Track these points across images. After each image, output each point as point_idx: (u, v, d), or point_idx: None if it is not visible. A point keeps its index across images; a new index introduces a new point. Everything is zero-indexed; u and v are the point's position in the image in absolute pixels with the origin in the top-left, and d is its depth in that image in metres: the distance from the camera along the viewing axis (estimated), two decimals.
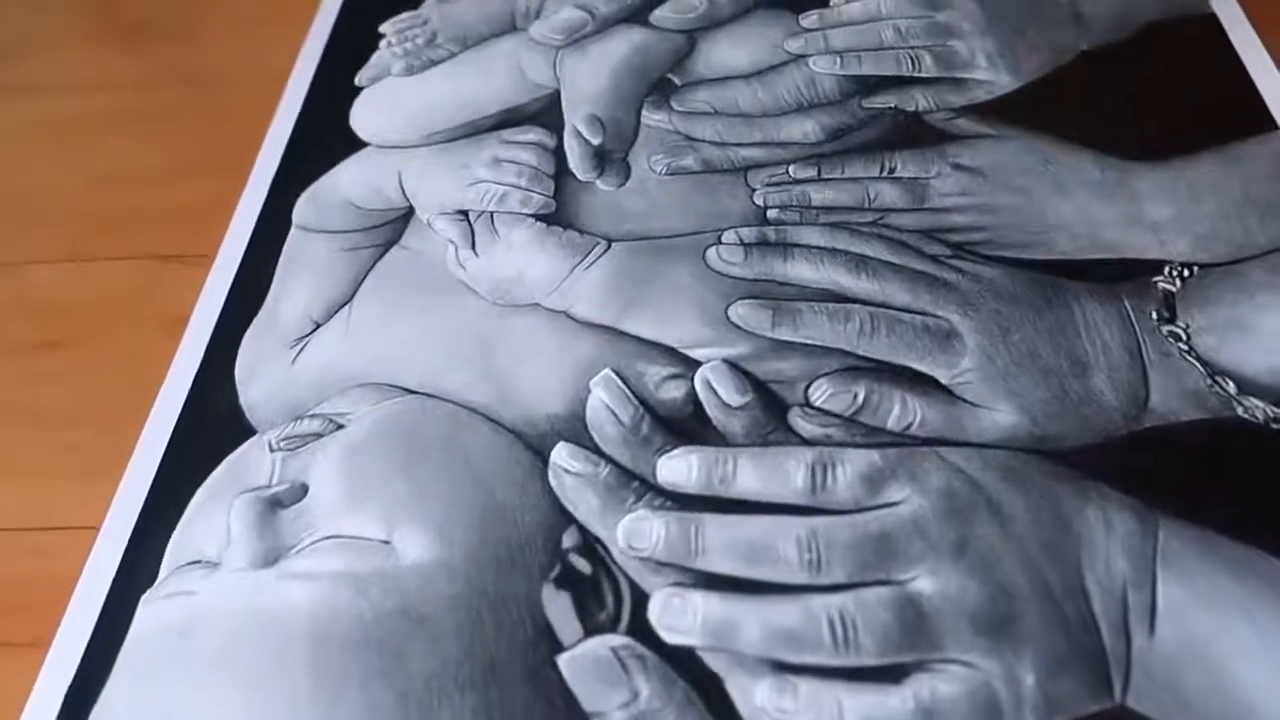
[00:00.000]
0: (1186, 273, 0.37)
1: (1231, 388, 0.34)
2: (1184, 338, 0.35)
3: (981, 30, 0.46)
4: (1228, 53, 0.45)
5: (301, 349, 0.39)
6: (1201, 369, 0.34)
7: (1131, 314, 0.36)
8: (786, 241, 0.40)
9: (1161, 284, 0.37)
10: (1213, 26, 0.46)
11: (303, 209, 0.44)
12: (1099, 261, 0.38)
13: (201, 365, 0.39)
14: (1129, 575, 0.30)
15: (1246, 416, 0.33)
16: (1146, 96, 0.44)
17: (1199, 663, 0.28)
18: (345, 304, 0.40)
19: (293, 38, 0.53)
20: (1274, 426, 0.33)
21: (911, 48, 0.46)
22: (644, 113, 0.46)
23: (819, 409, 0.35)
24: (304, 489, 0.34)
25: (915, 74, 0.45)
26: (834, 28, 0.48)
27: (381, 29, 0.52)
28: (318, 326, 0.40)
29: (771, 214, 0.41)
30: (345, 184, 0.44)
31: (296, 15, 0.54)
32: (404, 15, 0.52)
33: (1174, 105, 0.43)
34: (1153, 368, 0.34)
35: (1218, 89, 0.44)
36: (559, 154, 0.44)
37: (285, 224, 0.44)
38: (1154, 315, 0.36)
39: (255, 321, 0.40)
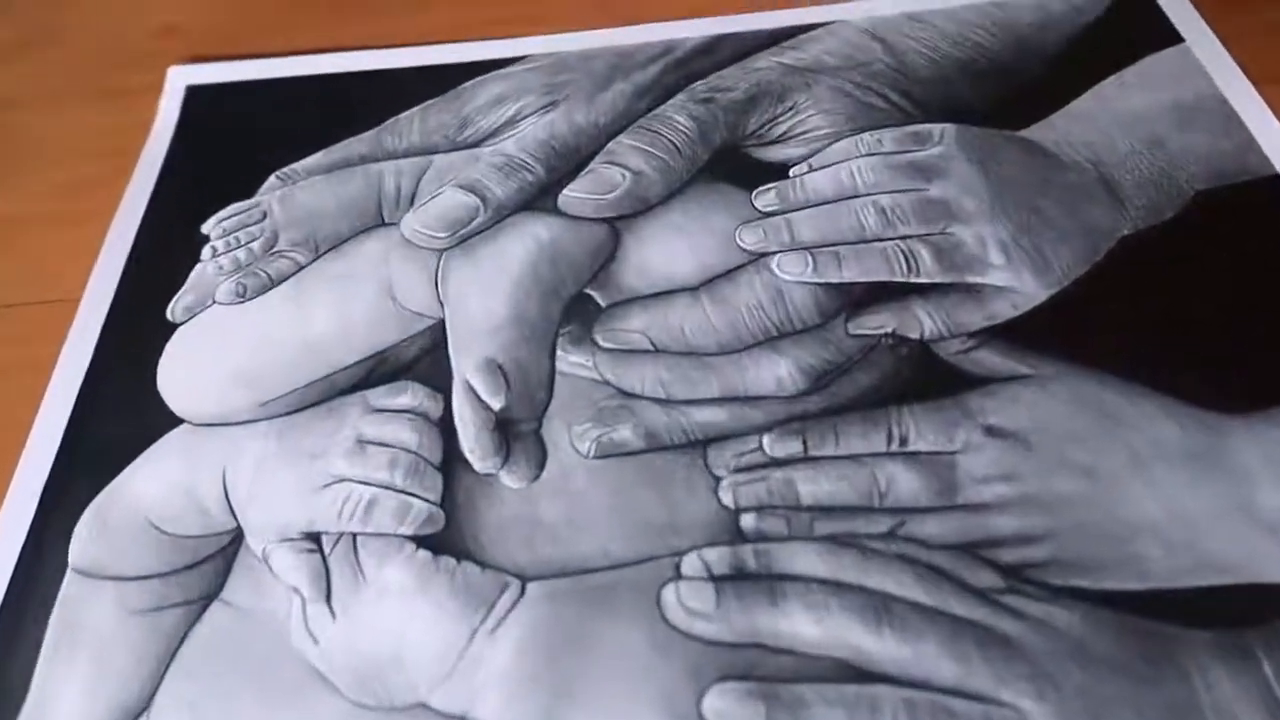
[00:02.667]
0: None
1: None
2: None
3: (989, 209, 0.36)
4: None
5: None
6: None
7: (1276, 688, 0.25)
8: (773, 572, 0.28)
9: None
10: None
11: (83, 540, 0.31)
12: (1210, 590, 0.27)
13: None
14: None
15: None
16: (1218, 303, 0.33)
17: None
18: (140, 714, 0.28)
19: (87, 242, 0.40)
20: None
21: (903, 238, 0.35)
22: (559, 351, 0.34)
23: None
24: None
25: (912, 278, 0.34)
26: (799, 209, 0.37)
27: (205, 228, 0.39)
28: None
29: (747, 521, 0.30)
30: (147, 493, 0.32)
31: (95, 205, 0.41)
32: (235, 208, 0.40)
33: (1256, 315, 0.33)
34: None
35: None
36: (447, 427, 0.32)
37: (58, 565, 0.30)
38: None
39: None
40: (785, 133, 0.40)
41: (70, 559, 0.31)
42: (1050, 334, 0.33)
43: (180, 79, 0.46)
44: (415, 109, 0.43)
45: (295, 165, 0.41)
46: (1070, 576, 0.28)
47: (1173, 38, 0.41)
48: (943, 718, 0.25)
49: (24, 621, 0.30)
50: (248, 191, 0.40)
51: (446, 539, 0.30)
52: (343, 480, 0.31)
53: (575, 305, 0.35)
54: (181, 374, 0.35)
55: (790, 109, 0.40)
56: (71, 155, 0.44)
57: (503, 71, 0.44)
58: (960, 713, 0.25)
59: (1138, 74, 0.40)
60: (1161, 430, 0.30)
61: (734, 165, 0.39)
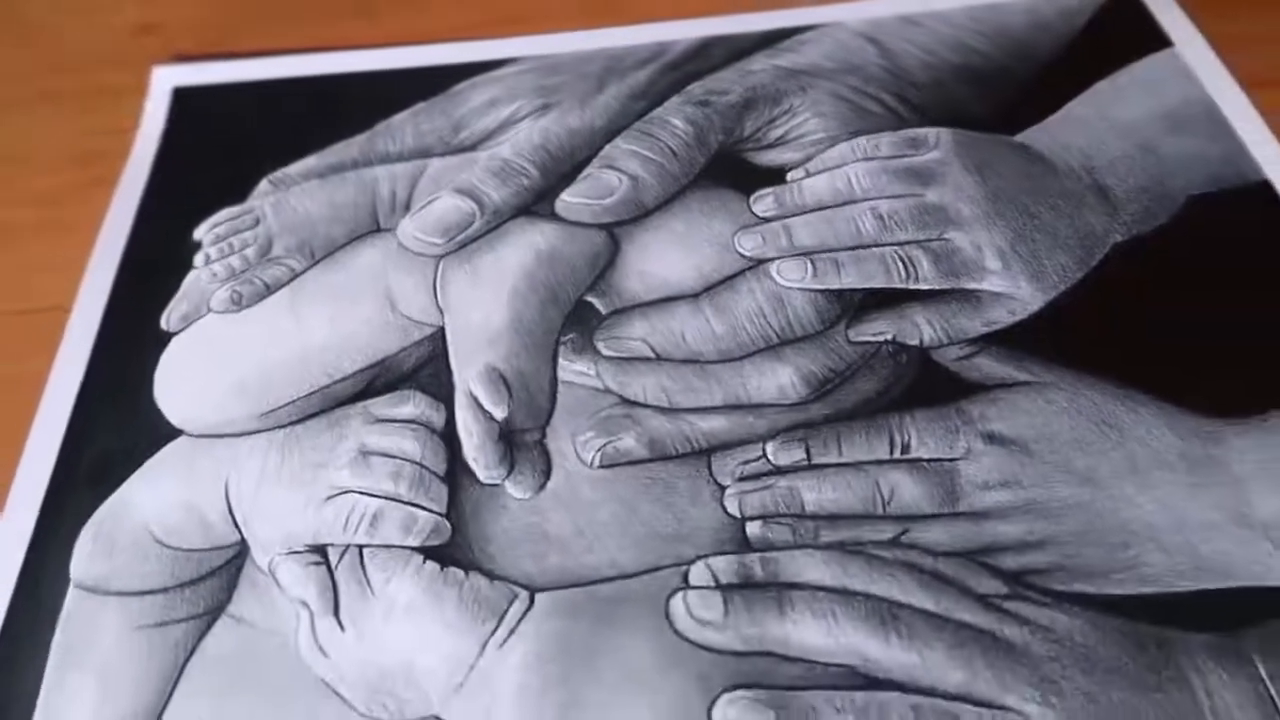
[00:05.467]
0: None
1: None
2: None
3: (985, 215, 0.36)
4: None
5: None
6: None
7: (1271, 689, 0.26)
8: (780, 580, 0.28)
9: None
10: (1271, 199, 0.37)
11: (85, 555, 0.31)
12: (1206, 593, 0.28)
13: None
14: None
15: None
16: (1211, 308, 0.34)
17: None
18: None
19: (77, 249, 0.39)
20: None
21: (901, 244, 0.36)
22: (561, 360, 0.34)
23: None
24: None
25: (911, 284, 0.35)
26: (797, 214, 0.37)
27: (198, 234, 0.39)
28: None
29: (753, 529, 0.30)
30: (148, 506, 0.31)
31: (83, 212, 0.41)
32: (228, 213, 0.39)
33: (1248, 321, 0.34)
34: None
35: None
36: (451, 436, 0.32)
37: (61, 582, 0.30)
38: None
39: None
40: (782, 136, 0.40)
41: (72, 574, 0.30)
42: (1047, 341, 0.33)
43: (166, 80, 0.45)
44: (407, 112, 0.42)
45: (288, 169, 0.41)
46: (1073, 582, 0.28)
47: (1161, 42, 0.42)
48: None
49: (27, 640, 0.29)
50: (240, 197, 0.40)
51: (454, 551, 0.30)
52: (347, 492, 0.31)
53: (576, 313, 0.35)
54: (179, 384, 0.34)
55: (786, 112, 0.40)
56: (52, 161, 0.44)
57: (494, 74, 0.44)
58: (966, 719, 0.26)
59: (1129, 79, 0.41)
60: (1160, 437, 0.31)
61: (731, 169, 0.39)
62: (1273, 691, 0.26)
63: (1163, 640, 0.27)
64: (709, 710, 0.26)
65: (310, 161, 0.41)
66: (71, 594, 0.30)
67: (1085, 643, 0.27)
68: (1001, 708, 0.26)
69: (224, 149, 0.42)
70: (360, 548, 0.30)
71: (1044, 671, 0.26)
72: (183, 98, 0.44)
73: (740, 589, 0.28)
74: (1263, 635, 0.27)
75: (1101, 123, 0.39)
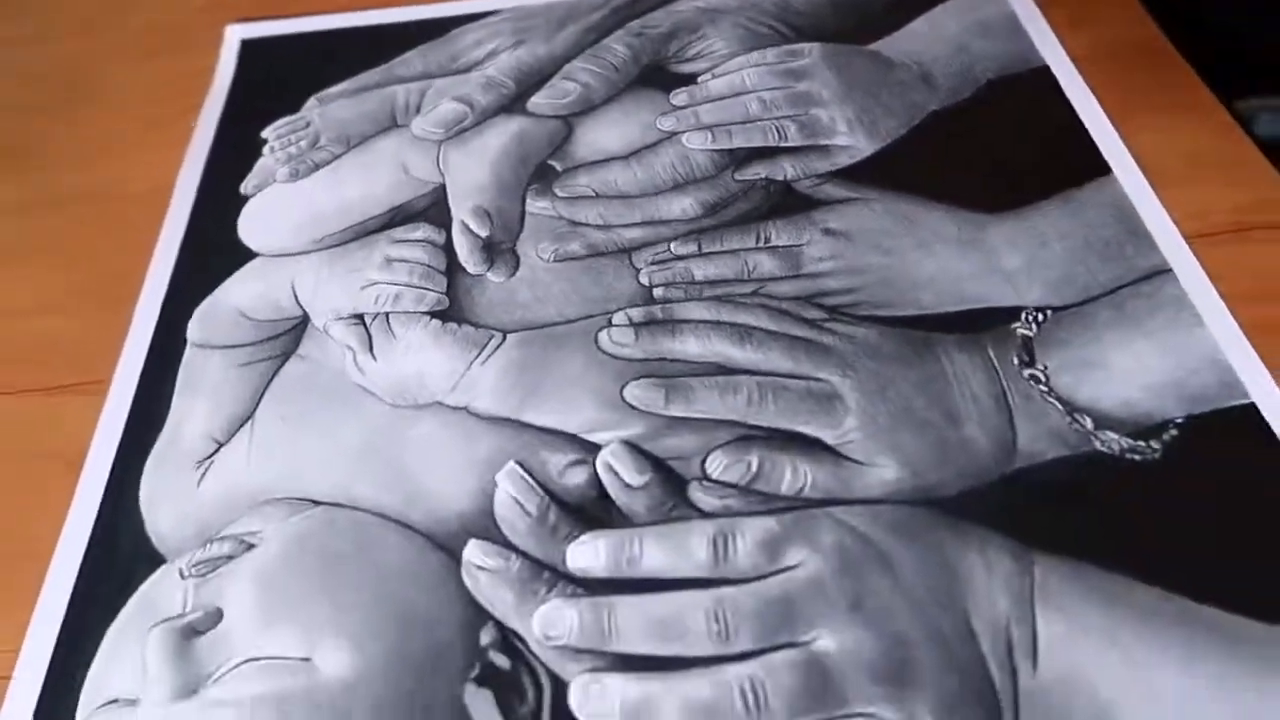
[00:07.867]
0: (1041, 318, 0.40)
1: (1089, 423, 0.36)
2: (1043, 380, 0.38)
3: (840, 97, 0.49)
4: (1062, 102, 0.49)
5: (206, 470, 0.39)
6: (1060, 408, 0.37)
7: (995, 361, 0.39)
8: (674, 318, 0.41)
9: (1020, 330, 0.39)
10: (1046, 79, 0.50)
11: (197, 325, 0.44)
12: (963, 313, 0.41)
13: (104, 497, 0.39)
14: (1011, 613, 0.32)
15: (1104, 449, 0.36)
16: (993, 150, 0.47)
17: (1081, 693, 0.31)
18: (247, 420, 0.41)
19: (174, 151, 0.53)
20: (1129, 457, 0.36)
21: (776, 118, 0.49)
22: (528, 201, 0.47)
23: (716, 481, 0.36)
24: (219, 614, 0.34)
25: (782, 144, 0.48)
26: (703, 104, 0.50)
27: (264, 134, 0.53)
28: (220, 446, 0.40)
29: (658, 293, 0.43)
30: (238, 297, 0.45)
31: (177, 128, 0.55)
32: (285, 120, 0.53)
33: (1018, 156, 0.47)
34: (1017, 411, 0.37)
35: (1056, 137, 0.47)
36: (449, 249, 0.46)
37: (180, 343, 0.44)
38: (1015, 360, 0.38)
39: (157, 447, 0.40)
40: (696, 54, 0.53)
41: (188, 337, 0.44)
42: (875, 173, 0.46)
43: (236, 34, 0.59)
44: (416, 50, 0.56)
45: (329, 90, 0.55)
46: (872, 310, 0.41)
47: None
48: (780, 391, 0.38)
49: (160, 378, 0.43)
50: (294, 110, 0.54)
51: (451, 314, 0.43)
52: (377, 284, 0.44)
53: (541, 172, 0.48)
54: (255, 225, 0.48)
55: (701, 37, 0.54)
56: (151, 96, 0.58)
57: (482, 21, 0.58)
58: (792, 387, 0.38)
59: (955, 3, 0.54)
60: (944, 226, 0.44)
61: (658, 76, 0.52)
62: (996, 364, 0.38)
63: (927, 339, 0.40)
64: (621, 390, 0.39)
65: (345, 84, 0.55)
66: (188, 350, 0.44)
67: (875, 343, 0.40)
68: (816, 379, 0.38)
69: (280, 80, 0.56)
70: (387, 315, 0.43)
71: (846, 360, 0.39)
72: (249, 46, 0.59)
73: (646, 325, 0.41)
74: (994, 334, 0.39)
75: (932, 33, 0.52)
